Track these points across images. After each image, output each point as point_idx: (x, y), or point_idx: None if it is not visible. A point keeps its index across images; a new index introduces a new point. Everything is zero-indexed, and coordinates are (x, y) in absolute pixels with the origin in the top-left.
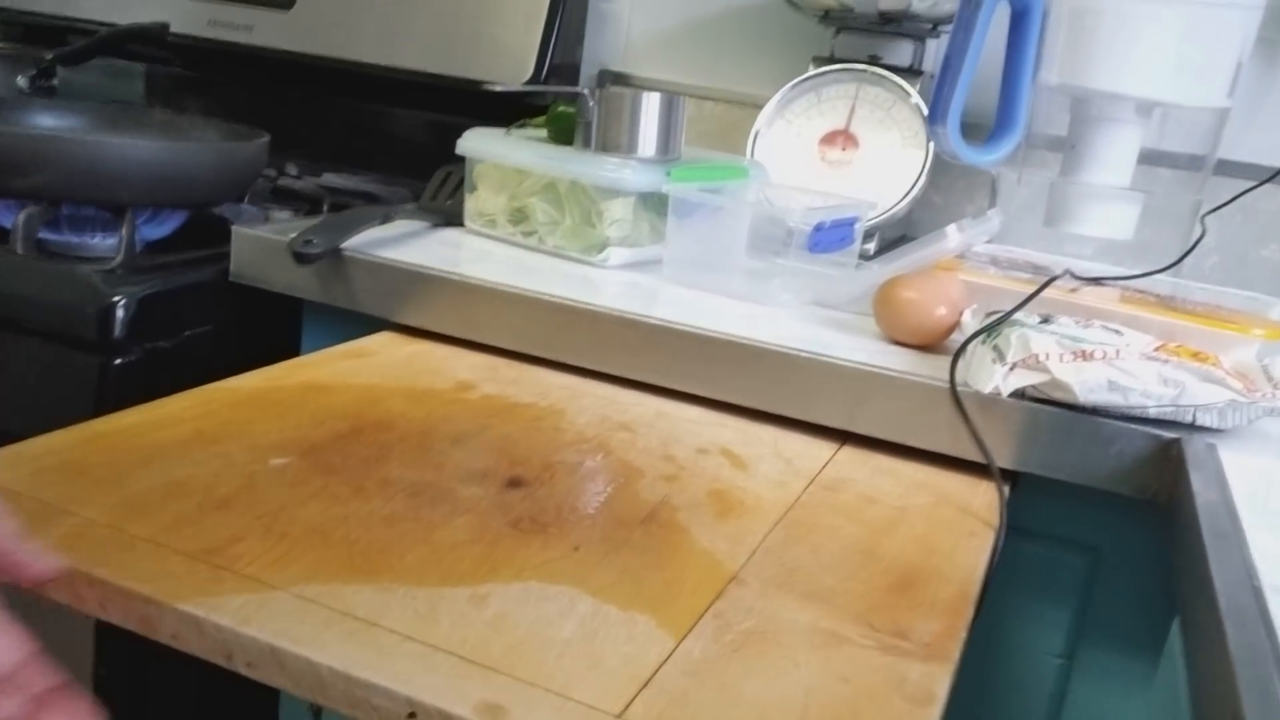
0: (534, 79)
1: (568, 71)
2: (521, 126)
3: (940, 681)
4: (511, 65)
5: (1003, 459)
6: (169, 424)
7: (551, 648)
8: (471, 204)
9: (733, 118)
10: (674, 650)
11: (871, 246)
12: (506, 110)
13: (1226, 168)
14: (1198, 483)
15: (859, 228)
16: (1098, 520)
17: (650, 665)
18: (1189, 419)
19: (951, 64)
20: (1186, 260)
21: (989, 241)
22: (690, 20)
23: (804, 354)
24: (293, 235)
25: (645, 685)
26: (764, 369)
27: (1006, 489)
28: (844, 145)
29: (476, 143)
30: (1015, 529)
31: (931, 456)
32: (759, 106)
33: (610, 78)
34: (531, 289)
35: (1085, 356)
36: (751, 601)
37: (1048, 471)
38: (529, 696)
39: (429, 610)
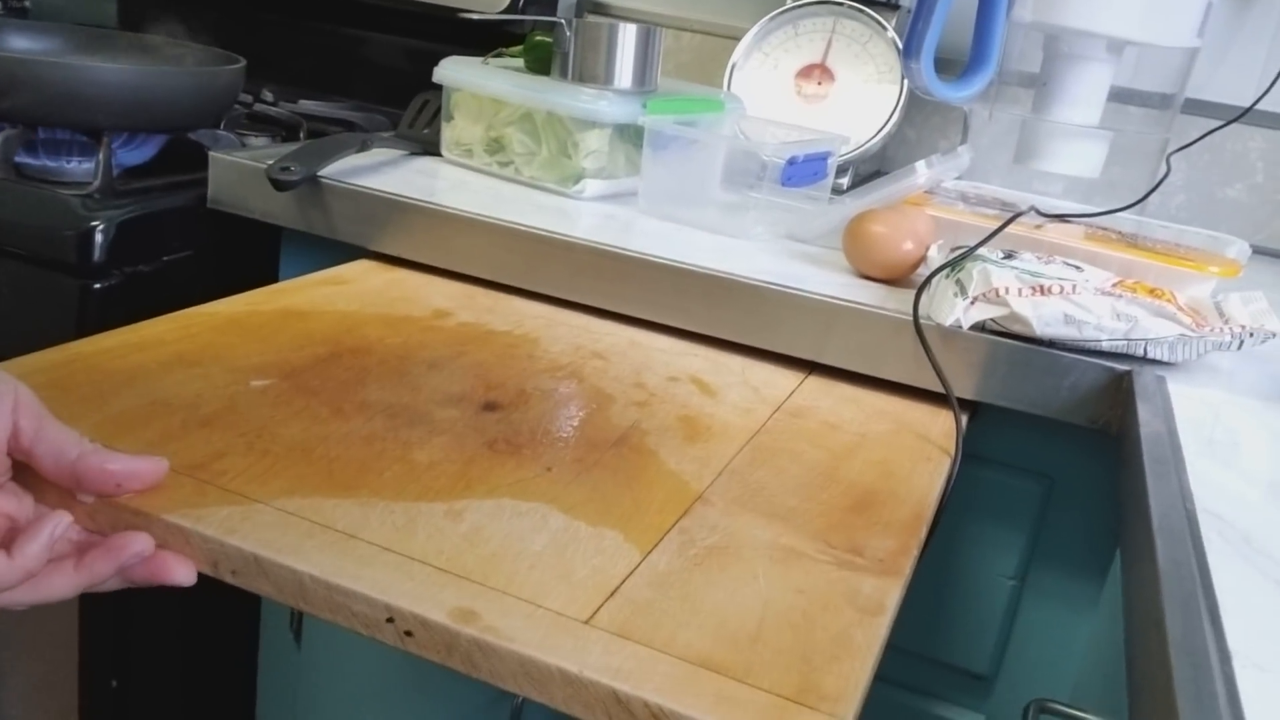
0: (511, 7)
1: (546, 0)
2: (499, 55)
3: (890, 595)
4: None
5: (962, 389)
6: (151, 346)
7: (523, 559)
8: (448, 133)
9: (710, 49)
10: (640, 563)
11: (845, 181)
12: (486, 38)
13: (1195, 107)
14: (1144, 413)
15: (832, 162)
16: (1052, 449)
17: (617, 576)
18: (1141, 352)
19: (925, 1)
20: (1153, 198)
21: (959, 178)
22: None
23: (772, 286)
24: (270, 162)
25: (612, 595)
26: (734, 300)
27: (965, 418)
28: (820, 79)
29: (453, 71)
30: (973, 456)
31: (895, 386)
32: (737, 39)
33: (589, 6)
34: (507, 219)
35: (1043, 291)
36: (716, 519)
37: (1005, 402)
38: (501, 604)
39: (406, 523)
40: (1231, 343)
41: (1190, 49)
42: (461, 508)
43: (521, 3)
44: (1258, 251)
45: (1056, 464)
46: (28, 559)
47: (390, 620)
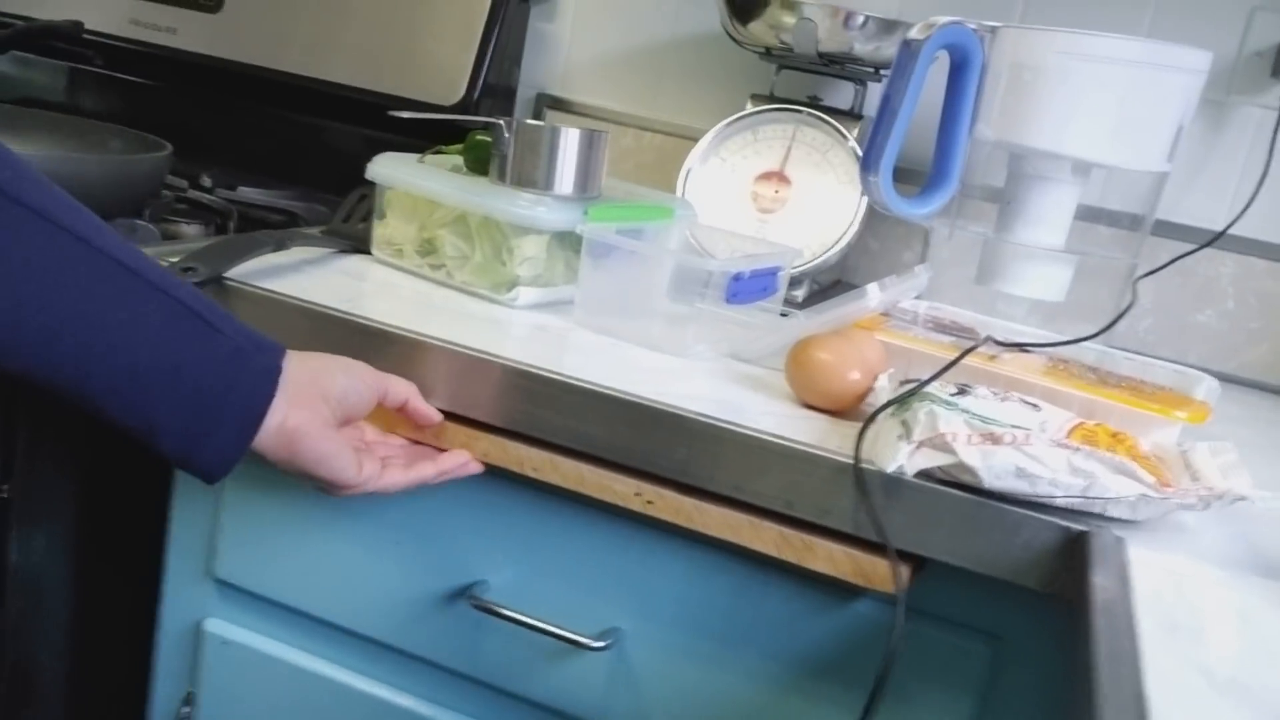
0: (467, 98)
1: (503, 92)
2: (438, 153)
3: None
4: (444, 83)
5: (905, 541)
6: None
7: None
8: (379, 231)
9: (672, 150)
10: None
11: (800, 293)
12: (439, 128)
13: (1166, 229)
14: (1100, 585)
15: (783, 277)
16: (1003, 608)
17: None
18: (1099, 510)
19: (887, 113)
20: (1121, 322)
21: (918, 297)
22: (632, 48)
23: (703, 419)
24: (174, 259)
25: None
26: (665, 432)
27: (907, 571)
28: (778, 187)
29: (387, 169)
30: (919, 612)
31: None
32: (698, 140)
33: (548, 102)
34: (428, 334)
35: (994, 439)
36: None
37: (950, 558)
38: None
39: None
40: (1197, 505)
41: (1160, 173)
42: None
43: (478, 93)
44: (1228, 381)
45: (1007, 625)
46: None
47: None
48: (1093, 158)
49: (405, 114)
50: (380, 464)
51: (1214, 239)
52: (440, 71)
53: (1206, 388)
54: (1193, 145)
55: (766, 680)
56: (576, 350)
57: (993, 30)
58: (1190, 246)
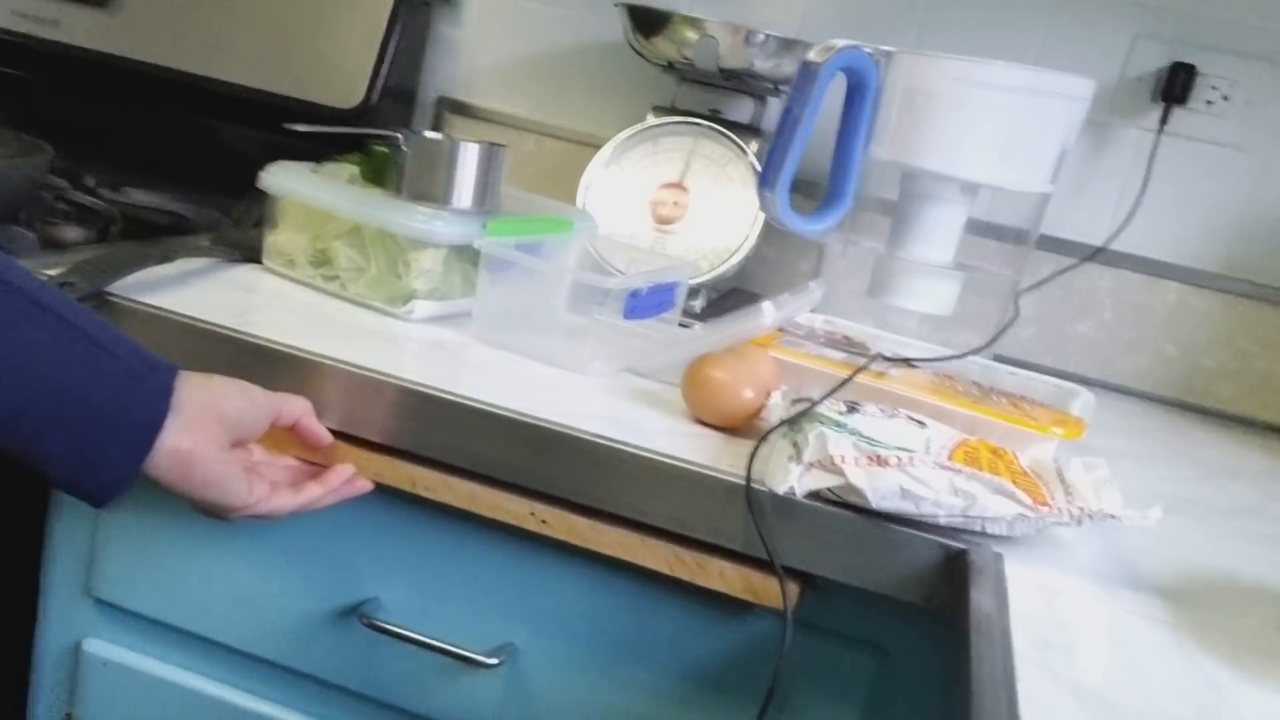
0: (366, 101)
1: (404, 96)
2: (335, 161)
3: None
4: (344, 86)
5: (795, 559)
6: None
7: None
8: (272, 241)
9: (573, 156)
10: None
11: (699, 303)
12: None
13: (1050, 244)
14: (977, 601)
15: (680, 291)
16: (888, 622)
17: None
18: (979, 528)
19: (784, 132)
20: (1006, 333)
21: (812, 310)
22: (536, 54)
23: (600, 441)
24: (51, 273)
25: None
26: (559, 453)
27: (796, 588)
28: (677, 198)
29: (280, 178)
30: (808, 625)
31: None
32: (600, 148)
33: (449, 106)
34: (318, 352)
35: (880, 462)
36: None
37: (838, 575)
38: None
39: None
40: (1071, 522)
41: (1043, 193)
42: None
43: (378, 97)
44: (1105, 388)
45: (893, 639)
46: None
47: None
48: (980, 179)
49: (302, 127)
50: (270, 486)
51: (1093, 254)
52: (340, 74)
53: (1082, 403)
54: (1076, 164)
55: (659, 694)
56: (473, 367)
57: (888, 55)
58: (1072, 261)
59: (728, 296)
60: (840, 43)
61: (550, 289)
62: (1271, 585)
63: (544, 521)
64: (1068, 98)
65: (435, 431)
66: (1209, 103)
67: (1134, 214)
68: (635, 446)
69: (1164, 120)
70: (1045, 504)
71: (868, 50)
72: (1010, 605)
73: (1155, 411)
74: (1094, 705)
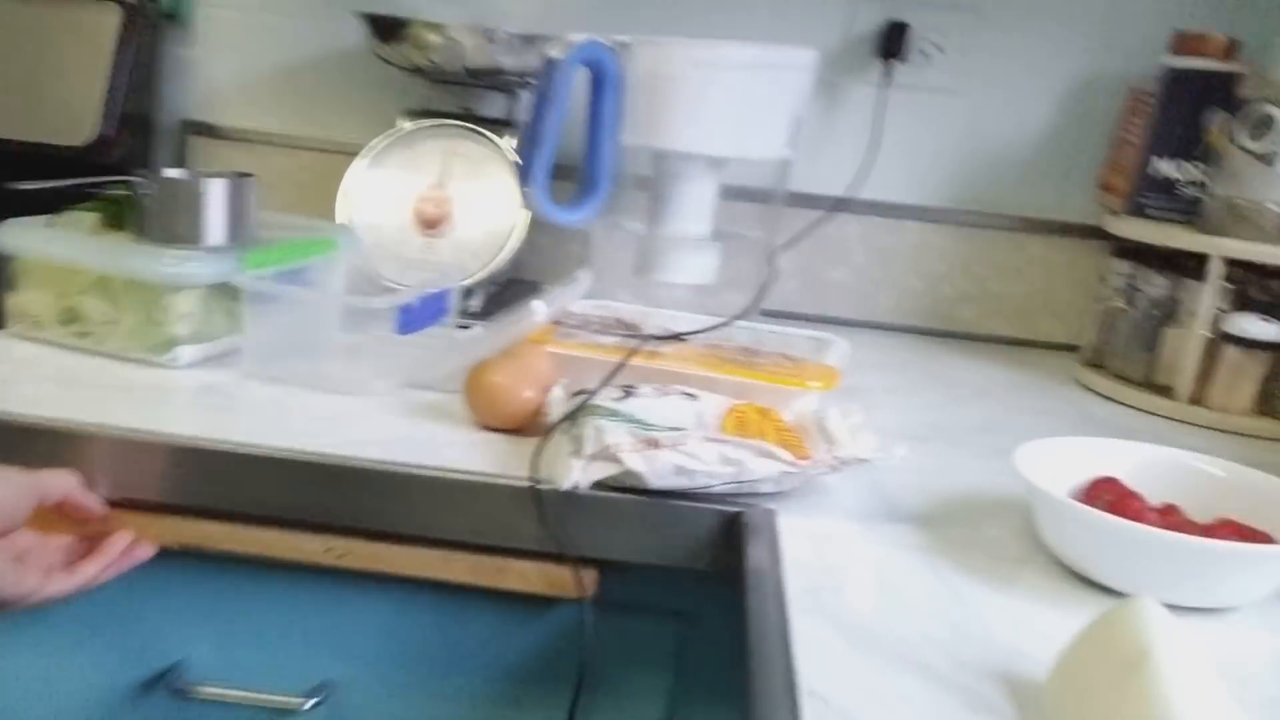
0: (101, 135)
1: (142, 124)
2: (73, 210)
3: None
4: (73, 121)
5: (589, 547)
6: None
7: None
8: (13, 304)
9: (328, 166)
10: None
11: (476, 302)
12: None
13: (800, 200)
14: (753, 557)
15: (452, 297)
16: (684, 589)
17: None
18: (750, 490)
19: (536, 129)
20: (771, 289)
21: (585, 297)
22: (277, 67)
23: (385, 468)
24: None
25: None
26: (347, 485)
27: (593, 574)
28: (440, 201)
29: (15, 237)
30: (612, 605)
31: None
32: (355, 155)
33: (193, 128)
34: (73, 420)
35: (654, 444)
36: None
37: (630, 556)
38: None
39: None
40: (829, 473)
41: (783, 159)
42: None
43: (113, 129)
44: (864, 326)
45: (690, 604)
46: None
47: None
48: (722, 153)
49: (29, 185)
50: (43, 572)
51: (839, 205)
52: (67, 110)
53: (838, 351)
54: (814, 123)
55: (479, 699)
56: (247, 408)
57: (626, 45)
58: (821, 214)
59: (506, 289)
60: (579, 37)
61: (320, 313)
62: (1011, 494)
63: (341, 555)
64: (795, 68)
65: (215, 484)
66: (924, 54)
67: (871, 164)
68: (421, 467)
69: (886, 75)
70: (807, 458)
71: (606, 42)
72: (784, 557)
73: (911, 341)
74: (861, 639)
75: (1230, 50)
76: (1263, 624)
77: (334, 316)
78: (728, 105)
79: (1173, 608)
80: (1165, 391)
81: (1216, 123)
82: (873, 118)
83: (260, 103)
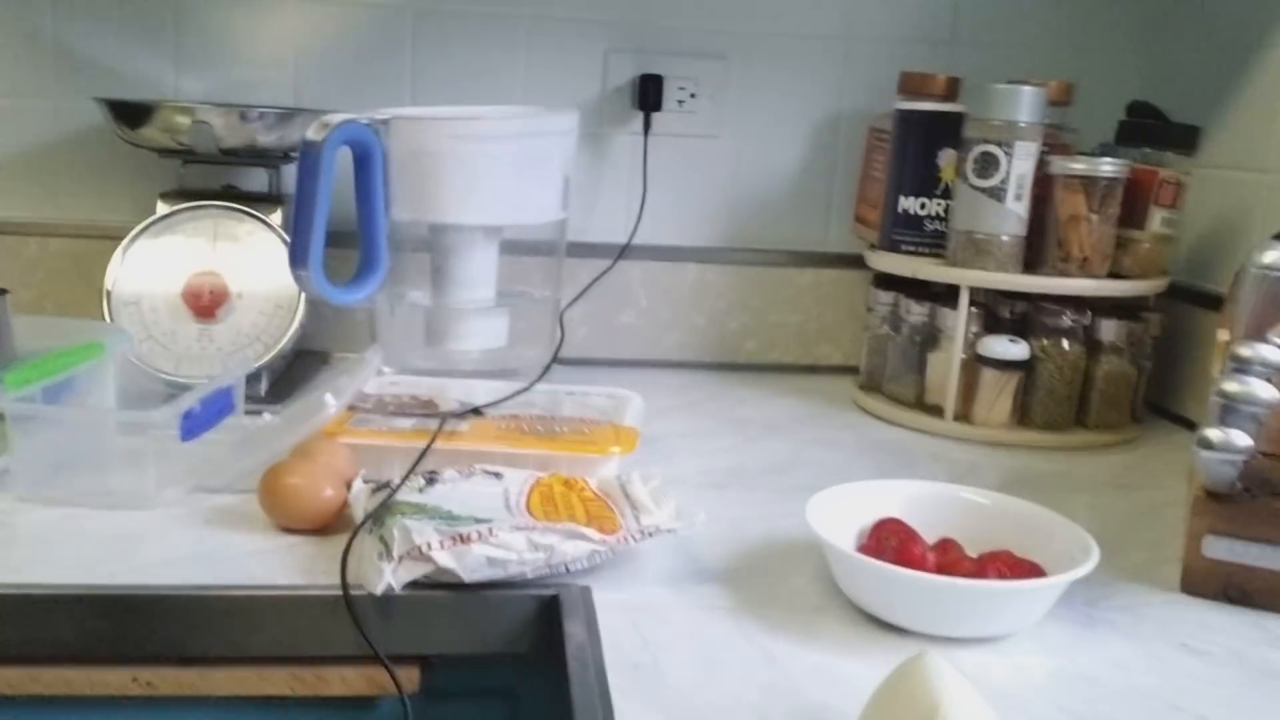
0: None
1: None
2: None
3: None
4: None
5: (408, 644)
6: None
7: None
8: None
9: (85, 252)
10: None
11: (263, 386)
12: None
13: (584, 250)
14: (571, 636)
15: (237, 391)
16: (511, 671)
17: None
18: (564, 571)
19: (303, 210)
20: (564, 333)
21: (379, 373)
22: (18, 152)
23: (185, 593)
24: None
25: None
26: (146, 615)
27: (415, 671)
28: (213, 285)
29: None
30: (441, 694)
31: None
32: (118, 238)
33: None
34: None
35: (463, 540)
36: None
37: (450, 649)
38: None
39: None
40: (637, 545)
41: (559, 221)
42: None
43: None
44: (654, 365)
45: (517, 685)
46: None
47: None
48: (497, 222)
49: None
50: None
51: (620, 253)
52: None
53: (634, 409)
54: (586, 175)
55: None
56: (23, 539)
57: (386, 122)
58: (606, 263)
59: (293, 365)
60: (338, 117)
61: (95, 426)
62: (805, 538)
63: (149, 684)
64: (558, 133)
65: (3, 627)
66: (680, 103)
67: (642, 210)
68: (224, 586)
69: (647, 125)
70: (615, 531)
71: (365, 121)
72: (602, 634)
73: (701, 378)
74: (680, 714)
75: (952, 90)
76: (1037, 647)
77: (109, 425)
78: (497, 176)
79: (956, 640)
80: (935, 411)
81: (946, 160)
82: (640, 166)
83: (3, 189)
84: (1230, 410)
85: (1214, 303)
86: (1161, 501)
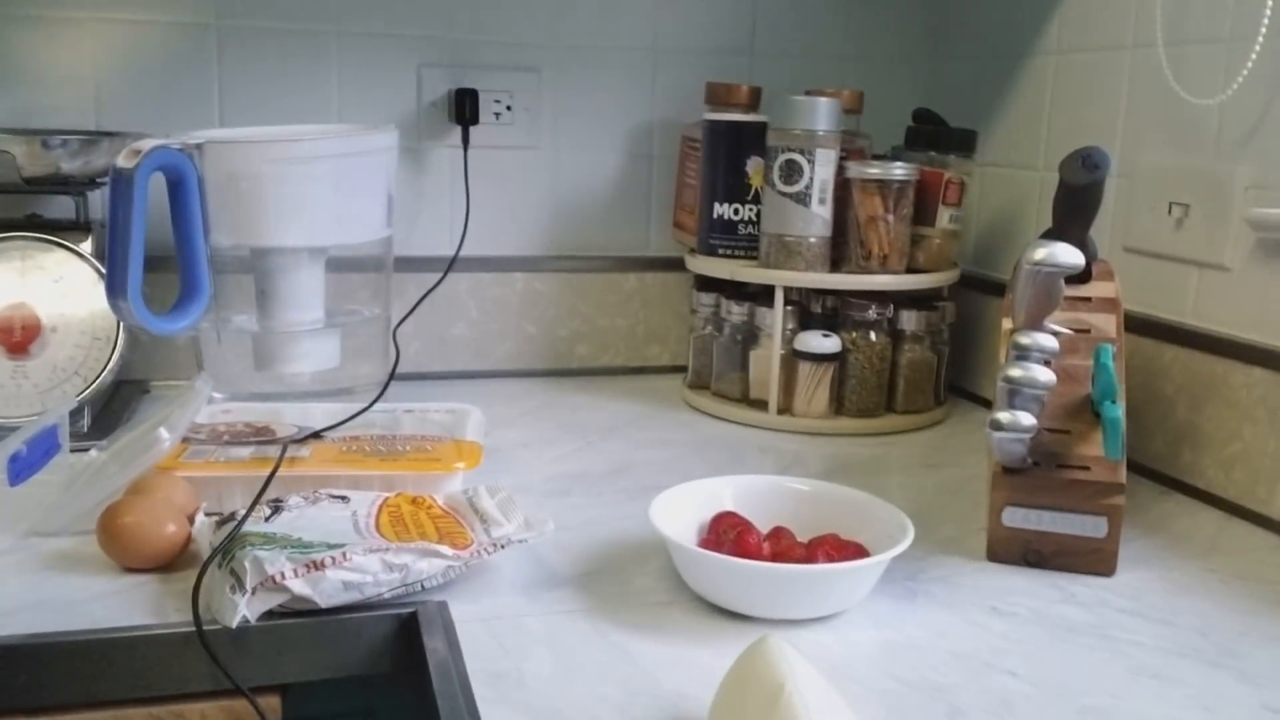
0: None
1: None
2: None
3: None
4: None
5: (270, 674)
6: None
7: None
8: None
9: None
10: None
11: (85, 422)
12: None
13: (412, 264)
14: (433, 651)
15: (62, 430)
16: (376, 690)
17: None
18: (420, 589)
19: (118, 240)
20: (399, 349)
21: (210, 401)
22: None
23: (25, 642)
24: None
25: None
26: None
27: (276, 699)
28: (25, 320)
29: None
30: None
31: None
32: None
33: None
34: None
35: (317, 566)
36: None
37: (312, 675)
38: None
39: None
40: (489, 558)
41: (385, 238)
42: None
43: None
44: (489, 376)
45: (380, 706)
46: None
47: None
48: (321, 243)
49: None
50: None
51: (449, 267)
52: None
53: (474, 423)
54: (409, 189)
55: None
56: None
57: (199, 146)
58: (433, 277)
59: (114, 398)
60: (149, 143)
61: None
62: (648, 537)
63: None
64: (378, 150)
65: None
66: (497, 115)
67: (467, 223)
68: (69, 633)
69: (465, 138)
70: (467, 545)
71: (177, 146)
72: (462, 646)
73: (536, 386)
74: (547, 716)
75: (754, 100)
76: (867, 621)
77: None
78: (318, 196)
79: (793, 622)
80: (760, 405)
81: (754, 168)
82: (464, 179)
83: None
84: (1015, 393)
85: (1000, 290)
86: (966, 477)
